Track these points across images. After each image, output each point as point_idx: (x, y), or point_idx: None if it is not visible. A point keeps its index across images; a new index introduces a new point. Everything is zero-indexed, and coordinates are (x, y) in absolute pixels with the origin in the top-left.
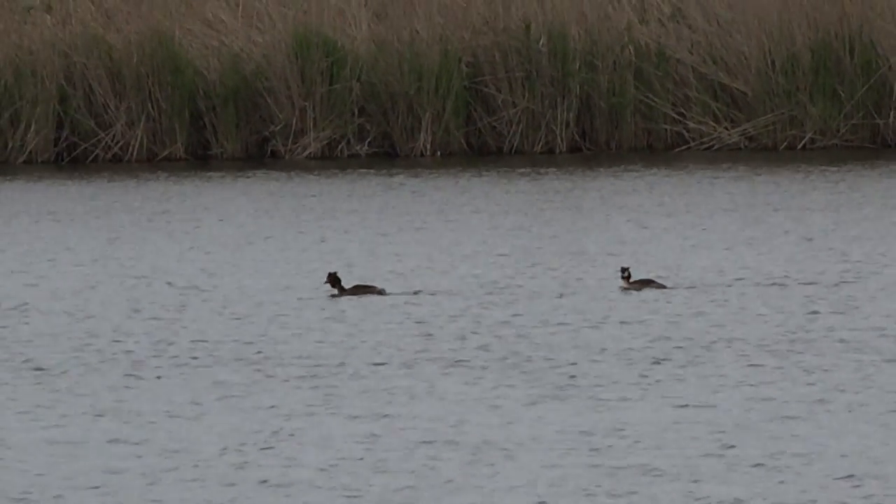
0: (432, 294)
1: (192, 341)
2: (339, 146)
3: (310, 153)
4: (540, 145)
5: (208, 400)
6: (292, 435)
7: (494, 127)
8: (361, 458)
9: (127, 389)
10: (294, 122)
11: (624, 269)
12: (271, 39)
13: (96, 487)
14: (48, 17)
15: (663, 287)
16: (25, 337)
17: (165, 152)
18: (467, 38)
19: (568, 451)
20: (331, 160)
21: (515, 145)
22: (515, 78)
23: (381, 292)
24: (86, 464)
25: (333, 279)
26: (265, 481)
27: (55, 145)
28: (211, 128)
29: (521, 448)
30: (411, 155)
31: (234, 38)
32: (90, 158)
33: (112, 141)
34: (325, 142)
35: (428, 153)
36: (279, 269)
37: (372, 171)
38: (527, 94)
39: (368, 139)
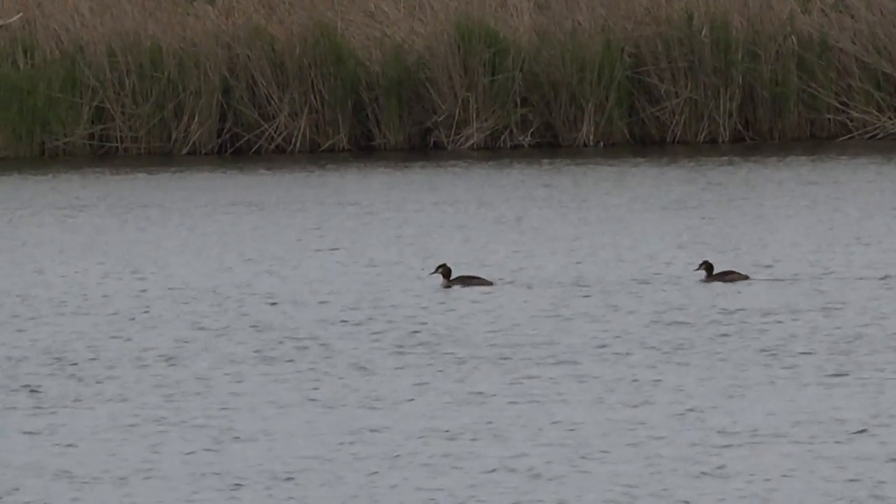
0: (598, 284)
1: (411, 328)
2: (502, 137)
3: (472, 144)
4: (703, 135)
5: (425, 387)
6: (522, 424)
7: (657, 117)
8: (590, 445)
9: (354, 377)
10: (457, 112)
11: (703, 263)
12: (433, 30)
13: (329, 470)
14: (211, 9)
15: (746, 278)
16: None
17: (328, 143)
18: (630, 28)
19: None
20: (493, 151)
21: (678, 135)
22: (678, 68)
23: (487, 283)
24: (325, 448)
25: (446, 270)
26: (493, 470)
27: (218, 136)
28: (374, 118)
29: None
30: (574, 145)
31: (396, 29)
32: (253, 149)
33: (275, 132)
34: (487, 132)
35: (591, 143)
36: (477, 257)
37: (535, 161)
38: (689, 84)
39: (531, 130)
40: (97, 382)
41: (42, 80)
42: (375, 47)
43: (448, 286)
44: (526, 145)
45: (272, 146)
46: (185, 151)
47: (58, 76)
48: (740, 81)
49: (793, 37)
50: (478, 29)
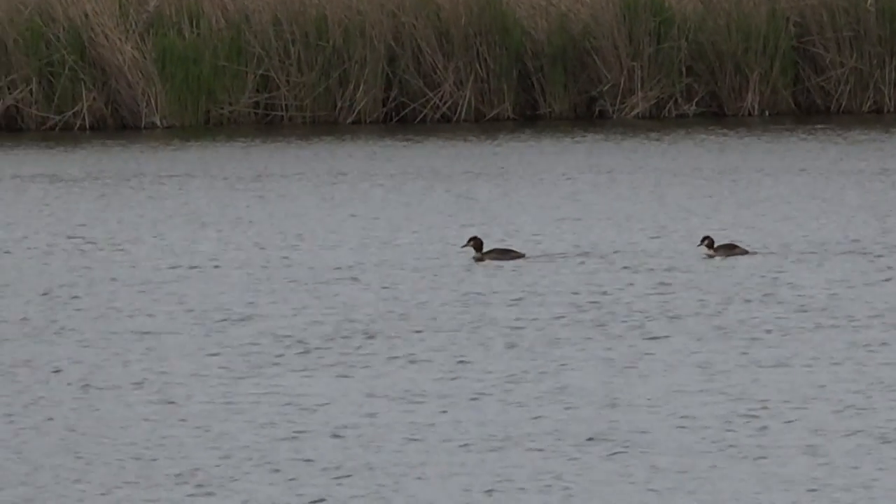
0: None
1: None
2: (667, 106)
3: (637, 113)
4: (868, 105)
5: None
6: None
7: (822, 87)
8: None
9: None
10: (622, 81)
11: (705, 238)
12: None
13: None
14: None
15: (746, 252)
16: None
17: (493, 112)
18: None
19: None
20: (658, 120)
21: (843, 105)
22: (843, 37)
23: (520, 256)
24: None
25: (478, 243)
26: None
27: (383, 105)
28: (539, 88)
29: None
30: (738, 115)
31: None
32: (418, 119)
33: (440, 101)
34: (652, 101)
35: (755, 113)
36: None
37: (700, 130)
38: (854, 54)
39: (696, 99)
40: (395, 346)
41: (207, 48)
42: (541, 16)
43: (480, 259)
44: (691, 114)
45: (437, 115)
46: (349, 120)
47: (223, 45)
48: None
49: None
50: None
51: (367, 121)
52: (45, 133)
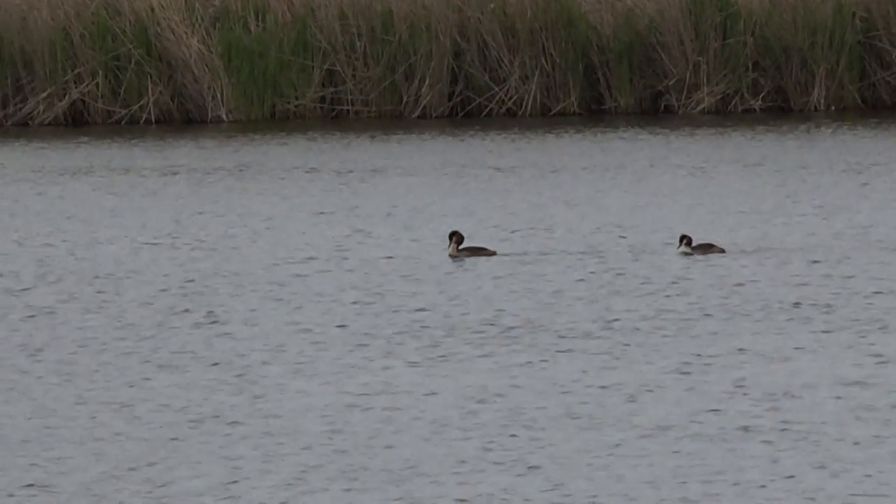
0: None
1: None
2: (733, 101)
3: (703, 108)
4: None
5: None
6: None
7: (888, 81)
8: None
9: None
10: (688, 76)
11: (683, 238)
12: None
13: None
14: None
15: (723, 251)
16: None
17: (559, 107)
18: None
19: None
20: (724, 115)
21: None
22: None
23: (492, 254)
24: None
25: (459, 238)
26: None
27: (449, 100)
28: (604, 82)
29: None
30: (805, 110)
31: None
32: (484, 113)
33: (506, 96)
34: (718, 96)
35: (822, 108)
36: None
37: (767, 125)
38: None
39: (762, 94)
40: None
41: (273, 43)
42: (606, 11)
43: (457, 256)
44: (757, 109)
45: (503, 109)
46: (415, 115)
47: (289, 39)
48: None
49: None
50: None
51: (433, 115)
52: (111, 127)
